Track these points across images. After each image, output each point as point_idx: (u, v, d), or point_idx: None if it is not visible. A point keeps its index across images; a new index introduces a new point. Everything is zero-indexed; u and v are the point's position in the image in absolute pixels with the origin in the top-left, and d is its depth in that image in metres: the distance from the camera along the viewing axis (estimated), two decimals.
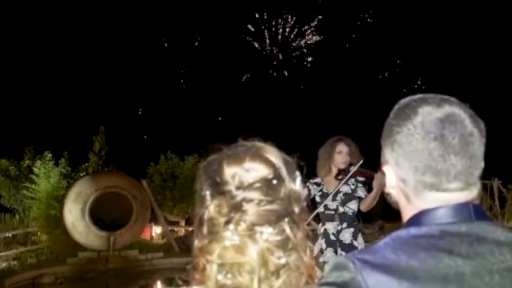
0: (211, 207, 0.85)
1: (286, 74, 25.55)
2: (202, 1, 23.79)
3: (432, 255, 0.82)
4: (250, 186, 0.84)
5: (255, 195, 0.83)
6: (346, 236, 3.98)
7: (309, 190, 4.05)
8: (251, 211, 0.82)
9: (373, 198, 3.90)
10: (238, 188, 0.84)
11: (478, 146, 0.88)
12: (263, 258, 0.82)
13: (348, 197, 4.03)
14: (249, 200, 0.83)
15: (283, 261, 0.83)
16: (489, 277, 0.82)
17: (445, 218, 0.87)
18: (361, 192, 4.06)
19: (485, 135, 0.90)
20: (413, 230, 0.88)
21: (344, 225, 3.99)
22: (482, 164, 0.90)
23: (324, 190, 4.07)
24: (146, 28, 23.47)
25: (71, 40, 22.27)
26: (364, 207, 4.01)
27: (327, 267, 0.87)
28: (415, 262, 0.82)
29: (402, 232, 0.89)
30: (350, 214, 4.03)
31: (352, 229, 4.00)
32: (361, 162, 3.88)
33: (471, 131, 0.88)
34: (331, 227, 3.99)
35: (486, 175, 0.95)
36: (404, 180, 0.91)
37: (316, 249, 3.95)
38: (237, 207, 0.83)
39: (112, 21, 22.78)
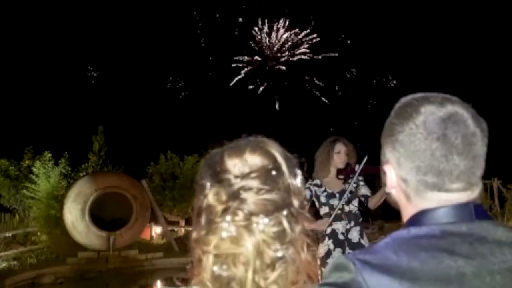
0: (210, 195, 0.85)
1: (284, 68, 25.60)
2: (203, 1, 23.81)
3: (433, 255, 0.82)
4: (248, 175, 0.84)
5: (254, 183, 0.84)
6: (354, 234, 3.99)
7: (311, 191, 4.03)
8: (249, 200, 0.83)
9: (382, 194, 3.86)
10: (236, 176, 0.85)
11: (480, 146, 0.88)
12: (258, 249, 0.82)
13: (353, 196, 4.05)
14: (248, 189, 0.83)
15: (279, 254, 0.83)
16: (490, 277, 0.82)
17: (446, 218, 0.87)
18: (364, 190, 4.06)
19: (487, 135, 0.89)
20: (413, 230, 0.87)
21: (352, 223, 4.00)
22: (484, 164, 0.89)
23: (329, 191, 4.06)
24: (146, 30, 23.47)
25: (71, 40, 22.26)
26: (373, 204, 4.00)
27: (327, 268, 0.87)
28: (416, 262, 0.81)
29: (402, 232, 0.89)
30: (356, 212, 4.04)
31: (358, 227, 4.02)
32: (366, 159, 3.85)
33: (473, 131, 0.87)
34: (340, 226, 3.98)
35: (486, 175, 0.94)
36: (405, 180, 0.91)
37: (322, 250, 3.96)
38: (235, 195, 0.83)
39: (112, 22, 22.77)
